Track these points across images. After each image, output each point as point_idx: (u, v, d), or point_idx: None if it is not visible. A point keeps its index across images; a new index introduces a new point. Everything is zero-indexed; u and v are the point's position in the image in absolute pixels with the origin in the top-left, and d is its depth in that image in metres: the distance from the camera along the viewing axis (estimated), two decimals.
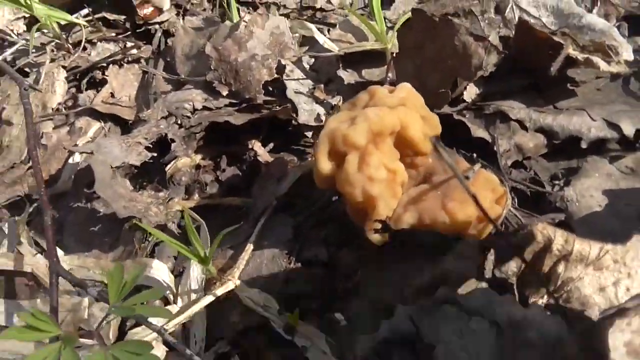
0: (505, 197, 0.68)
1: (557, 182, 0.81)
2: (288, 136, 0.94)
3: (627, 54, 0.86)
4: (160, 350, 0.71)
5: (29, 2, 0.96)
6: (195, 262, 0.75)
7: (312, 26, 1.01)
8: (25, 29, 1.14)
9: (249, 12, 1.15)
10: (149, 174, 0.91)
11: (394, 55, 0.92)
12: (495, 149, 0.83)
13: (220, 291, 0.72)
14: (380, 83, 0.91)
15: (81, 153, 0.86)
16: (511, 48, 0.89)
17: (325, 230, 0.78)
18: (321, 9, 1.14)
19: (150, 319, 0.70)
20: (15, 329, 0.63)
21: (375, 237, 0.66)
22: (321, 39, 0.98)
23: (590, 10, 1.03)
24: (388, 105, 0.67)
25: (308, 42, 1.03)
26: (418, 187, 0.68)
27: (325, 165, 0.66)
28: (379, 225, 0.66)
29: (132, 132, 0.91)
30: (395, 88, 0.71)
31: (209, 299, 0.72)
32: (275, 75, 0.95)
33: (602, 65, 0.82)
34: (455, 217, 0.64)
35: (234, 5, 1.04)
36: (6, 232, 0.86)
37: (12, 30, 1.13)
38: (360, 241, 0.70)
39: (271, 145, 0.93)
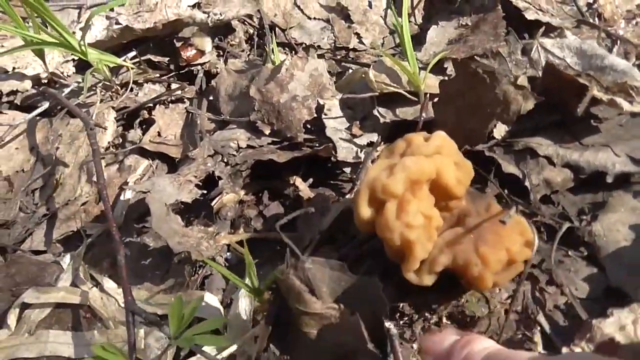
0: (533, 240, 0.73)
1: (584, 217, 0.85)
2: (326, 171, 0.99)
3: None
4: None
5: (84, 49, 1.03)
6: (245, 294, 0.80)
7: None
8: (74, 70, 1.21)
9: (285, 53, 1.21)
10: (197, 209, 0.96)
11: (427, 95, 0.97)
12: (526, 184, 0.88)
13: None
14: (414, 122, 0.96)
15: (138, 192, 0.91)
16: (538, 87, 0.95)
17: (366, 263, 0.83)
18: (354, 49, 1.20)
19: (205, 348, 0.75)
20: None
21: (413, 278, 0.71)
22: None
23: (610, 50, 1.09)
24: (424, 153, 0.72)
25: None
26: (453, 229, 0.73)
27: (365, 211, 0.71)
28: (416, 266, 0.70)
29: (181, 169, 0.97)
30: (430, 136, 0.76)
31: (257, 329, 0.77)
32: (315, 115, 1.00)
33: (625, 105, 0.87)
34: (487, 260, 0.69)
35: (275, 47, 1.10)
36: (64, 267, 0.92)
37: (62, 73, 1.20)
38: (398, 277, 0.74)
39: (310, 180, 0.98)
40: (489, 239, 0.70)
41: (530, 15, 1.10)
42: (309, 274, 0.73)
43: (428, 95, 0.98)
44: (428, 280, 0.71)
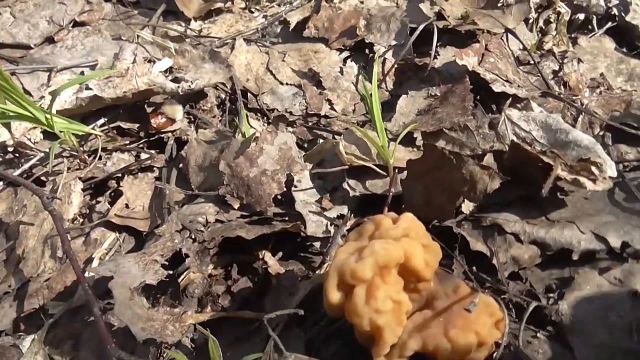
0: (503, 321, 0.73)
1: (551, 294, 0.86)
2: (296, 245, 0.98)
3: (611, 170, 0.93)
4: None
5: (50, 121, 1.02)
6: None
7: None
8: (42, 137, 1.19)
9: (257, 119, 1.22)
10: (162, 286, 0.94)
11: (396, 170, 0.98)
12: (494, 262, 0.88)
13: None
14: (384, 196, 0.96)
15: (100, 275, 0.89)
16: (505, 163, 0.96)
17: (335, 346, 0.82)
18: (325, 116, 1.21)
19: None
20: None
21: None
22: None
23: (575, 119, 1.12)
24: (393, 237, 0.73)
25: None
26: (422, 312, 0.74)
27: (334, 296, 0.71)
28: (386, 351, 0.70)
29: (147, 246, 0.95)
30: (398, 217, 0.77)
31: None
32: (284, 189, 1.00)
33: (589, 185, 0.89)
34: (457, 344, 0.69)
35: (244, 116, 1.11)
36: (23, 351, 0.89)
37: (29, 139, 1.18)
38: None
39: (280, 254, 0.97)
40: (458, 322, 0.71)
41: (497, 88, 1.12)
42: None
43: (397, 169, 0.99)
44: None
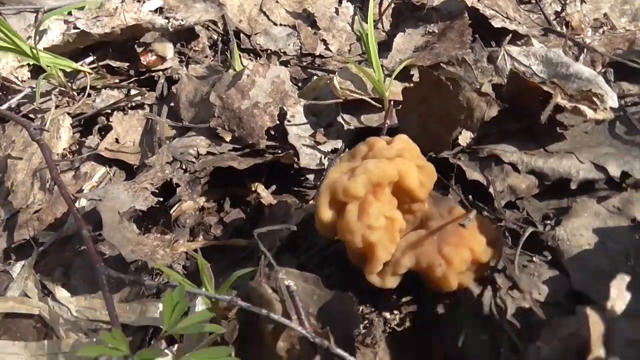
0: (499, 240, 0.72)
1: (548, 222, 0.84)
2: (289, 178, 0.97)
3: (612, 101, 0.91)
4: None
5: (35, 53, 0.99)
6: (202, 302, 0.77)
7: None
8: (29, 75, 1.17)
9: (250, 59, 1.19)
10: (154, 217, 0.93)
11: (392, 103, 0.96)
12: (490, 190, 0.87)
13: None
14: (379, 129, 0.95)
15: (89, 199, 0.88)
16: (504, 95, 0.94)
17: (328, 270, 0.81)
18: (320, 56, 1.18)
19: None
20: (91, 346, 0.73)
21: (376, 281, 0.69)
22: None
23: (577, 58, 1.09)
24: (386, 156, 0.71)
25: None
26: (416, 232, 0.72)
27: (326, 214, 0.69)
28: (379, 269, 0.69)
29: (138, 177, 0.94)
30: (392, 139, 0.75)
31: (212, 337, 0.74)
32: (277, 122, 0.98)
33: (589, 113, 0.87)
34: (451, 260, 0.67)
35: (236, 53, 1.08)
36: (14, 276, 0.88)
37: (16, 77, 1.16)
38: (361, 282, 0.72)
39: (273, 187, 0.96)
40: (452, 240, 0.69)
41: (497, 23, 1.10)
42: (281, 285, 0.70)
43: (392, 102, 0.96)
44: (391, 282, 0.70)
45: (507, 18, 1.13)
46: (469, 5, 1.12)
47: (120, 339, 0.66)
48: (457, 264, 0.68)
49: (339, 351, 0.63)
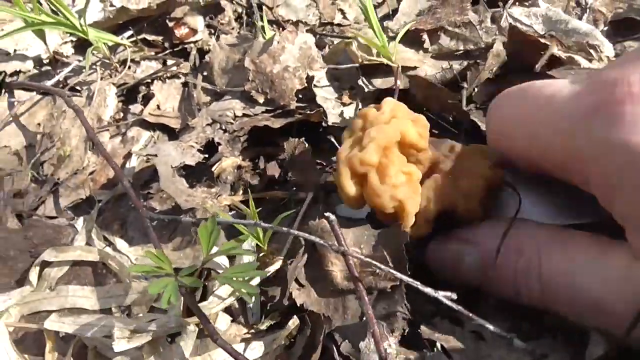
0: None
1: None
2: (318, 137, 1.06)
3: (609, 51, 0.99)
4: (225, 320, 0.84)
5: (85, 28, 1.09)
6: (250, 244, 0.87)
7: None
8: (73, 51, 1.27)
9: (273, 30, 1.28)
10: (198, 174, 1.03)
11: (399, 67, 1.04)
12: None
13: (272, 268, 0.85)
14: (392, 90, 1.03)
15: (144, 157, 0.98)
16: (505, 50, 1.02)
17: None
18: (339, 24, 1.27)
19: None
20: (139, 265, 0.85)
21: (412, 233, 0.76)
22: None
23: (580, 18, 1.17)
24: (383, 121, 0.78)
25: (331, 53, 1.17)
26: (432, 178, 0.78)
27: (350, 188, 0.75)
28: (412, 221, 0.76)
29: (182, 137, 1.04)
30: (380, 105, 0.81)
31: (263, 274, 0.84)
32: (305, 85, 1.08)
33: (583, 62, 0.95)
34: (469, 193, 0.75)
35: (266, 23, 1.17)
36: (78, 229, 0.98)
37: (61, 53, 1.25)
38: None
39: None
40: (463, 173, 0.76)
41: None
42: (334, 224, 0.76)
43: (400, 66, 1.04)
44: (426, 230, 0.77)
45: None
46: None
47: (163, 258, 0.75)
48: (475, 194, 0.75)
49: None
